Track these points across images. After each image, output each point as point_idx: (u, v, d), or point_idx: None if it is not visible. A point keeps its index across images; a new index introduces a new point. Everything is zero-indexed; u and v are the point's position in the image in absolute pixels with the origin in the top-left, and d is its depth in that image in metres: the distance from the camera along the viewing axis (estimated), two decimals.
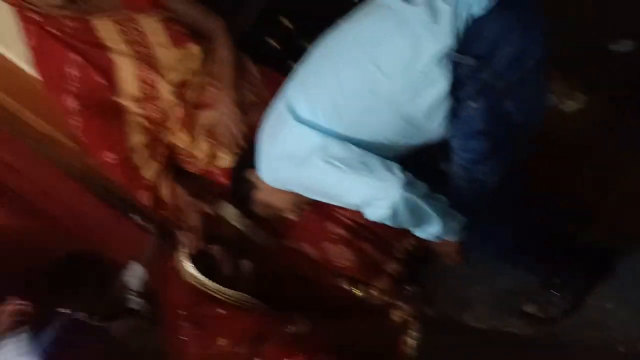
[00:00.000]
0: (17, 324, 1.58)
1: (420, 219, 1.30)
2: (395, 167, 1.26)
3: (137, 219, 2.00)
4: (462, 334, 1.98)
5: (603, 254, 1.74)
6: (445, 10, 1.12)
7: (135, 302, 1.88)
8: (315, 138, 1.26)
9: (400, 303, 2.10)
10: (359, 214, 1.94)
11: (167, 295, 1.82)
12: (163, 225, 2.03)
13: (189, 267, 1.70)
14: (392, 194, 1.22)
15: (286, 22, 2.23)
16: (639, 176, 1.97)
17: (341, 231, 1.97)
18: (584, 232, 1.85)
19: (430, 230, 1.34)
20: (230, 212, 1.89)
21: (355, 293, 2.10)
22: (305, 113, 1.29)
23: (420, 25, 1.14)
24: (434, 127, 1.24)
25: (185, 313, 1.72)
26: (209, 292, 1.69)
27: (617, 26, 2.78)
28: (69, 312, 1.70)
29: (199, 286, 1.69)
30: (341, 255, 1.99)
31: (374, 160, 1.25)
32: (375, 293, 2.10)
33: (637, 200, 1.87)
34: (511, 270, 1.91)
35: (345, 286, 2.11)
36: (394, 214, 1.25)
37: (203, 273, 1.69)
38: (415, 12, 1.16)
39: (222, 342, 1.71)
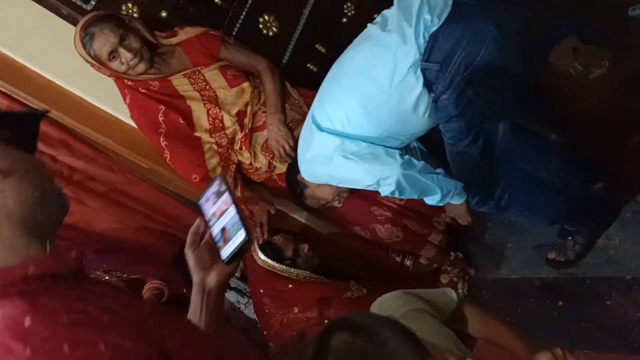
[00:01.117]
0: (156, 298, 2.06)
1: (422, 190, 1.68)
2: (396, 153, 1.66)
3: None
4: (501, 288, 2.28)
5: (611, 202, 2.00)
6: (409, 32, 1.51)
7: (236, 282, 2.41)
8: (334, 140, 1.69)
9: (446, 267, 2.45)
10: (398, 198, 2.36)
11: (251, 279, 2.30)
12: None
13: (260, 254, 2.17)
14: (395, 173, 1.62)
15: (321, 48, 2.69)
16: None
17: (386, 212, 2.35)
18: (599, 184, 2.12)
19: (433, 197, 1.72)
20: (291, 207, 2.36)
21: (405, 264, 2.48)
22: (325, 123, 1.73)
23: (395, 47, 1.54)
24: (422, 118, 1.63)
25: (263, 291, 2.19)
26: (277, 272, 2.15)
27: None
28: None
29: (270, 268, 2.15)
30: (389, 233, 2.36)
31: (379, 150, 1.66)
32: (423, 262, 2.47)
33: None
34: (533, 228, 2.22)
35: (397, 259, 2.49)
36: (400, 188, 1.65)
37: (270, 258, 2.15)
38: (390, 37, 1.56)
39: (296, 309, 2.16)
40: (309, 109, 2.15)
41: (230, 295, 2.56)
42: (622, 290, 1.85)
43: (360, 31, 1.80)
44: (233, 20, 2.44)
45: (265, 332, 2.26)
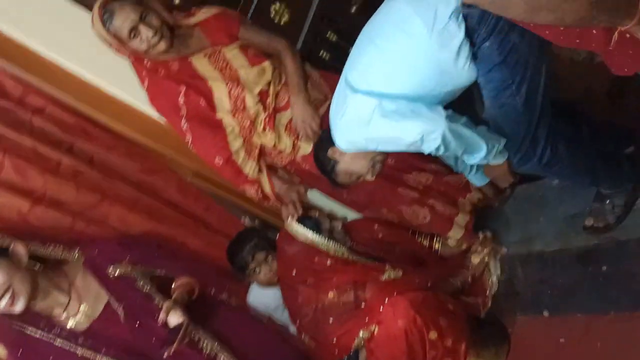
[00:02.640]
0: (188, 294, 1.98)
1: (467, 144, 1.63)
2: (439, 107, 1.61)
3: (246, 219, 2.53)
4: (538, 263, 2.22)
5: None
6: None
7: None
8: (372, 101, 1.64)
9: (477, 248, 2.39)
10: (424, 178, 2.31)
11: (284, 266, 2.20)
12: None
13: (299, 227, 2.09)
14: (440, 126, 1.57)
15: (332, 36, 2.69)
16: None
17: (412, 193, 2.30)
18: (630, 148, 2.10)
19: (478, 153, 1.67)
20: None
21: (434, 247, 2.41)
22: (360, 85, 1.67)
23: None
24: (462, 69, 1.59)
25: (297, 272, 2.09)
26: (317, 247, 2.06)
27: None
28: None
29: (309, 242, 2.07)
30: (416, 214, 2.31)
31: (420, 106, 1.61)
32: (452, 244, 2.40)
33: None
34: (564, 197, 2.18)
35: (425, 242, 2.42)
36: (445, 142, 1.60)
37: (311, 229, 2.08)
38: None
39: (331, 294, 2.07)
40: (329, 89, 2.13)
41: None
42: None
43: None
44: (245, 9, 2.46)
45: (297, 324, 2.16)
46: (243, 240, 2.30)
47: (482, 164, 2.01)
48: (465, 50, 1.55)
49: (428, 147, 1.64)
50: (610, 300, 1.89)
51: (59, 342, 1.75)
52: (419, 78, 1.62)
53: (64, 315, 1.81)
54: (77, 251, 1.94)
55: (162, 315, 1.77)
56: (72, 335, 1.78)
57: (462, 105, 1.80)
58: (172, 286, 2.00)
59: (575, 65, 3.16)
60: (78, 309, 1.83)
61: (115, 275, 1.93)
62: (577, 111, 2.19)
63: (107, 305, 1.86)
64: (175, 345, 1.72)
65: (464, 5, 1.49)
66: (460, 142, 1.62)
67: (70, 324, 1.81)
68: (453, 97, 1.73)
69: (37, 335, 1.73)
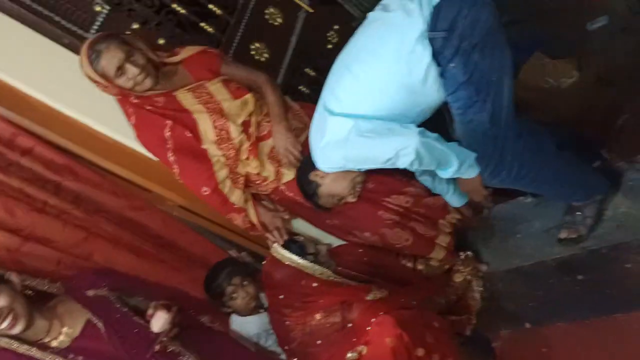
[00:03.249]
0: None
1: (439, 158, 1.73)
2: (411, 125, 1.72)
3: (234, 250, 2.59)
4: (517, 277, 2.29)
5: (612, 173, 2.08)
6: (413, 6, 1.62)
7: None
8: (348, 122, 1.74)
9: (459, 267, 2.45)
10: (404, 201, 2.39)
11: (271, 290, 2.24)
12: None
13: (284, 252, 2.14)
14: (412, 141, 1.67)
15: (310, 71, 2.82)
16: None
17: (393, 216, 2.36)
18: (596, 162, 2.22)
19: (451, 167, 1.76)
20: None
21: (417, 268, 2.47)
22: (337, 108, 1.78)
23: (401, 22, 1.64)
24: (431, 90, 1.71)
25: (285, 297, 2.13)
26: (302, 270, 2.11)
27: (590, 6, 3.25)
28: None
29: (295, 265, 2.11)
30: (399, 237, 2.36)
31: (393, 124, 1.72)
32: (434, 264, 2.46)
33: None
34: (539, 213, 2.28)
35: (409, 264, 2.48)
36: (419, 157, 1.69)
37: (296, 254, 2.13)
38: (395, 15, 1.67)
39: (318, 316, 2.10)
40: (309, 118, 2.23)
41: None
42: (639, 251, 1.89)
43: None
44: (226, 48, 2.56)
45: (286, 348, 2.18)
46: (218, 269, 2.36)
47: (458, 184, 2.12)
48: (433, 71, 1.67)
49: (403, 163, 1.73)
50: (588, 307, 1.96)
51: (50, 358, 1.80)
52: (392, 99, 1.73)
53: (48, 338, 1.87)
54: (58, 284, 2.03)
55: (149, 311, 1.88)
56: (62, 353, 1.82)
57: (436, 126, 1.91)
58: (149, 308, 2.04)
59: (543, 91, 3.34)
60: (60, 331, 1.89)
61: (94, 295, 2.00)
62: (545, 128, 2.32)
63: (88, 322, 1.92)
64: (157, 344, 1.82)
65: (428, 29, 1.62)
66: (433, 156, 1.71)
67: (55, 344, 1.87)
68: (425, 116, 1.85)
69: (31, 353, 1.78)
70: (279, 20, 2.77)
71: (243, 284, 2.34)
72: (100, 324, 1.90)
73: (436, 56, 1.65)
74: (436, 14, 1.61)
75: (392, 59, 1.67)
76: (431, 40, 1.63)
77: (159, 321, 1.89)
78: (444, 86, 1.71)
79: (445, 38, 1.61)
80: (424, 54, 1.64)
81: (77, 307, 1.94)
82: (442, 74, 1.69)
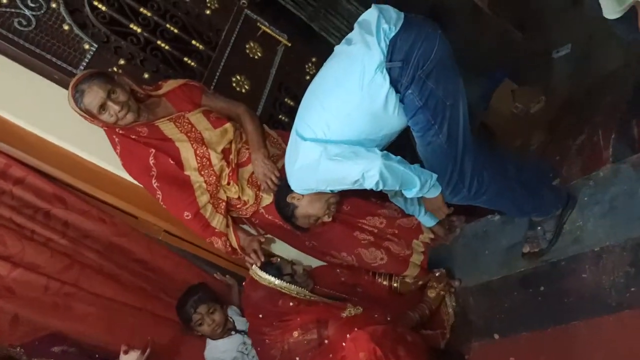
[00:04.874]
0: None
1: (402, 179, 1.86)
2: (375, 149, 1.85)
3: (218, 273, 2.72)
4: (486, 291, 2.40)
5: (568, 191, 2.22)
6: (372, 40, 1.77)
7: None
8: (318, 147, 1.88)
9: (432, 283, 2.56)
10: (379, 222, 2.52)
11: (250, 310, 2.34)
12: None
13: (262, 273, 2.24)
14: (376, 164, 1.80)
15: (289, 101, 2.98)
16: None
17: (368, 236, 2.49)
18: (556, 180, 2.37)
19: (414, 187, 1.89)
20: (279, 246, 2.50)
21: (393, 285, 2.58)
22: (308, 134, 1.92)
23: (362, 54, 1.80)
24: (392, 115, 1.85)
25: (264, 316, 2.23)
26: (279, 290, 2.21)
27: (555, 36, 3.46)
28: None
29: (272, 286, 2.22)
30: (374, 256, 2.49)
31: (359, 149, 1.85)
32: (409, 281, 2.57)
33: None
34: (504, 232, 2.41)
35: (384, 283, 2.59)
36: (383, 178, 1.82)
37: (273, 275, 2.23)
38: (356, 47, 1.82)
39: (296, 333, 2.20)
40: (286, 145, 2.36)
41: None
42: (593, 261, 2.01)
43: None
44: (208, 81, 2.71)
45: None
46: (188, 295, 2.50)
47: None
48: (393, 98, 1.82)
49: (369, 184, 1.86)
50: (548, 316, 2.08)
51: None
52: (357, 125, 1.87)
53: None
54: (19, 348, 2.12)
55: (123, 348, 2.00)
56: None
57: (401, 150, 2.06)
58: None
59: (513, 116, 3.51)
60: None
61: (60, 351, 2.14)
62: (505, 148, 2.47)
63: None
64: None
65: (386, 60, 1.77)
66: (396, 177, 1.85)
67: None
68: (390, 140, 1.99)
69: None
70: (259, 54, 2.94)
71: (210, 312, 2.48)
72: None
73: (395, 84, 1.80)
74: (392, 46, 1.77)
75: (356, 87, 1.82)
76: (389, 70, 1.78)
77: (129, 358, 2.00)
78: (404, 111, 1.85)
79: (401, 67, 1.77)
80: (383, 82, 1.79)
81: None
82: (401, 100, 1.84)
